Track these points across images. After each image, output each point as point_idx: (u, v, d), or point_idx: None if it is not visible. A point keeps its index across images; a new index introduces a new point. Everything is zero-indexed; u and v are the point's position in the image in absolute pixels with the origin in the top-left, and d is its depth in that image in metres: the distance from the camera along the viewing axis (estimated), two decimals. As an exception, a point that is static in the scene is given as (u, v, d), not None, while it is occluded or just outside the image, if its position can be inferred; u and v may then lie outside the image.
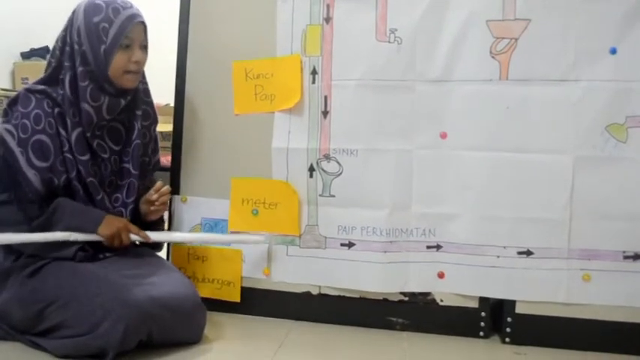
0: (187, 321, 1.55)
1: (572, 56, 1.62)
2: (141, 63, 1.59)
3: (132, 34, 1.55)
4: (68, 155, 1.54)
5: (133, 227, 1.59)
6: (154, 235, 1.65)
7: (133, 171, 1.64)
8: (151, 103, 1.73)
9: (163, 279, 1.54)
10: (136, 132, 1.64)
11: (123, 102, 1.59)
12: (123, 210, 1.62)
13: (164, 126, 1.95)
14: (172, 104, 1.94)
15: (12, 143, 1.50)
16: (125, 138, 1.65)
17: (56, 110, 1.54)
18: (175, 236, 1.84)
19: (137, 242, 1.64)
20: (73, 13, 1.58)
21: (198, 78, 1.87)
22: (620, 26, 1.59)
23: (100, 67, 1.54)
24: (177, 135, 1.90)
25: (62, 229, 1.51)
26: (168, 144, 1.93)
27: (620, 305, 1.61)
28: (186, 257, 1.85)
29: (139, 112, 1.65)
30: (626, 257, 1.61)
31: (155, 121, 1.75)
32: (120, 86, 1.57)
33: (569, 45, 1.62)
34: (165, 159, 1.88)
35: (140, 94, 1.67)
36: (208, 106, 1.87)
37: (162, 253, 1.81)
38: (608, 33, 1.60)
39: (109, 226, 1.54)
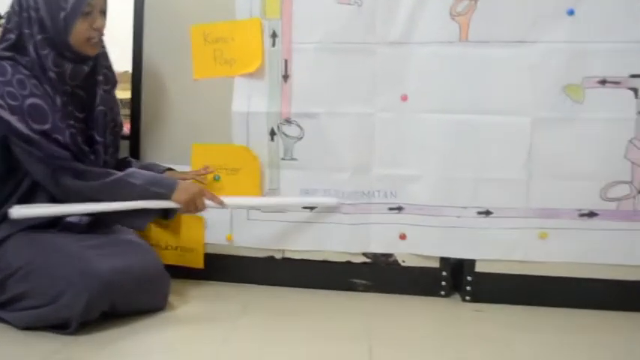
0: (151, 289, 1.54)
1: (530, 17, 1.63)
2: (102, 29, 1.55)
3: (93, 0, 1.50)
4: (60, 113, 1.49)
5: (208, 192, 1.61)
6: (228, 201, 1.65)
7: (98, 138, 1.59)
8: (110, 67, 1.68)
9: (125, 248, 1.53)
10: (98, 98, 1.60)
11: (86, 68, 1.55)
12: None
13: (123, 93, 1.92)
14: (130, 71, 1.89)
15: (5, 114, 1.43)
16: (89, 105, 1.60)
17: (32, 74, 1.49)
18: (252, 201, 1.77)
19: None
20: None
21: (156, 43, 1.83)
22: (578, -14, 1.61)
23: (59, 34, 1.48)
24: (135, 102, 1.87)
25: (132, 198, 1.51)
26: (128, 111, 1.89)
27: (576, 262, 1.66)
28: (149, 225, 1.83)
29: (100, 78, 1.61)
30: (581, 215, 1.65)
31: (115, 84, 1.71)
32: (82, 53, 1.53)
33: (527, 7, 1.63)
34: (125, 127, 1.85)
35: (100, 59, 1.62)
36: (167, 71, 1.84)
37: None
38: (566, -6, 1.61)
39: (185, 192, 1.54)
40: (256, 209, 1.79)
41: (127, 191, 1.51)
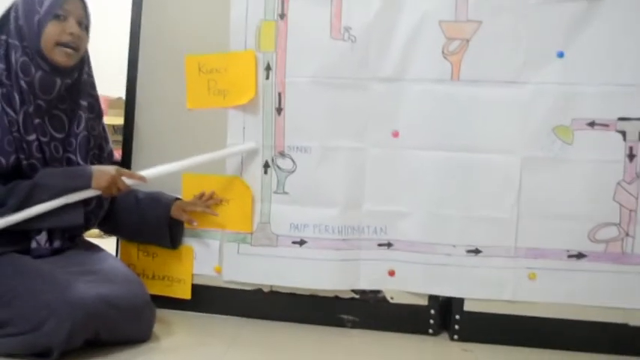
0: (136, 319, 1.52)
1: (521, 58, 1.65)
2: (76, 36, 1.53)
3: (68, 5, 1.52)
4: (16, 134, 1.48)
5: (125, 171, 1.58)
6: (147, 173, 1.61)
7: (77, 160, 1.58)
8: (96, 97, 1.68)
9: (111, 276, 1.51)
10: (83, 123, 1.60)
11: (59, 81, 1.53)
12: None
13: (115, 119, 1.92)
14: (124, 97, 1.90)
15: None
16: (68, 127, 1.60)
17: (2, 90, 1.49)
18: (165, 168, 1.67)
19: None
20: None
21: (151, 70, 1.84)
22: (568, 31, 1.63)
23: (32, 38, 1.50)
24: (128, 129, 1.87)
25: (51, 198, 1.47)
26: (120, 137, 1.89)
27: (565, 303, 1.65)
28: (136, 254, 1.82)
29: (84, 103, 1.61)
30: (570, 256, 1.65)
31: (100, 115, 1.71)
32: (52, 61, 1.52)
33: (518, 47, 1.65)
34: (117, 153, 1.85)
35: (85, 86, 1.63)
36: (161, 99, 1.84)
37: (111, 249, 1.77)
38: (556, 37, 1.64)
39: (102, 176, 1.51)
40: (176, 173, 1.71)
41: (47, 191, 1.48)
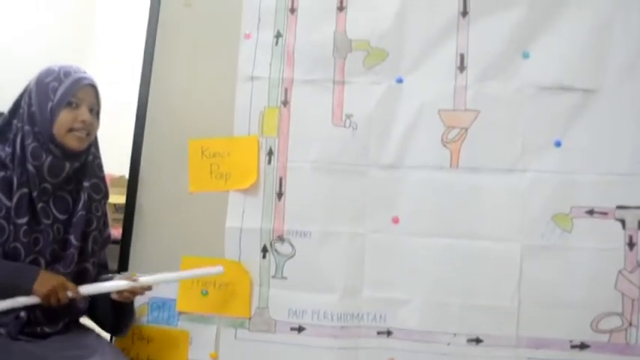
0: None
1: (519, 147, 1.68)
2: (87, 123, 1.56)
3: (81, 94, 1.55)
4: (2, 221, 1.48)
5: (70, 284, 1.49)
6: (84, 289, 1.52)
7: (74, 242, 1.57)
8: (103, 178, 1.69)
9: (102, 361, 1.47)
10: (81, 203, 1.60)
11: (67, 165, 1.55)
12: None
13: (117, 197, 1.93)
14: (127, 176, 1.92)
15: None
16: (72, 209, 1.60)
17: (3, 174, 1.50)
18: (106, 286, 1.57)
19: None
20: (31, 80, 1.58)
21: (155, 152, 1.87)
22: (565, 121, 1.67)
23: (45, 124, 1.52)
24: (129, 208, 1.87)
25: None
26: (120, 216, 1.90)
27: (568, 395, 1.61)
28: (131, 338, 1.78)
29: (87, 184, 1.62)
30: (573, 346, 1.62)
31: (106, 196, 1.72)
32: (64, 146, 1.54)
33: (516, 136, 1.68)
34: (117, 231, 1.85)
35: (93, 167, 1.64)
36: (163, 180, 1.85)
37: (105, 334, 1.73)
38: (554, 126, 1.67)
39: (46, 282, 1.45)
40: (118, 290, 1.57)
41: None
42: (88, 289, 1.54)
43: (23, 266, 1.50)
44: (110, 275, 1.66)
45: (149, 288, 1.62)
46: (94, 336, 1.62)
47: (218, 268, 1.68)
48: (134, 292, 1.59)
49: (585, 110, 1.66)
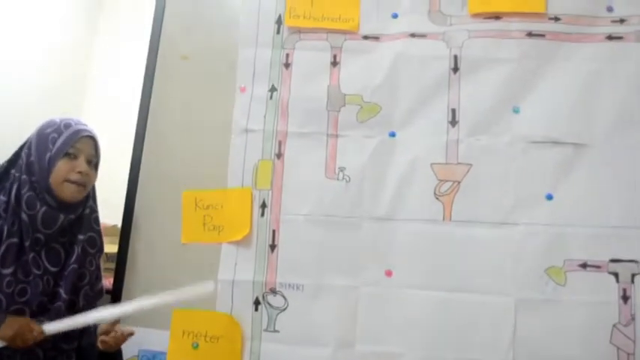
0: None
1: (511, 200, 1.69)
2: (84, 174, 1.57)
3: (80, 145, 1.57)
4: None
5: (36, 326, 1.48)
6: (49, 327, 1.49)
7: (63, 295, 1.56)
8: (99, 232, 1.69)
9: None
10: (75, 256, 1.59)
11: (62, 217, 1.55)
12: None
13: (109, 247, 1.92)
14: (119, 225, 1.91)
15: None
16: (64, 261, 1.60)
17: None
18: (71, 322, 1.53)
19: None
20: (32, 132, 1.60)
21: (148, 202, 1.88)
22: (556, 174, 1.68)
23: (42, 173, 1.53)
24: (121, 257, 1.87)
25: None
26: (112, 265, 1.89)
27: None
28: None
29: (82, 237, 1.62)
30: (570, 404, 1.60)
31: (101, 250, 1.71)
32: (60, 197, 1.54)
33: (508, 189, 1.69)
34: (108, 281, 1.83)
35: (89, 220, 1.64)
36: (156, 231, 1.86)
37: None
38: (545, 180, 1.68)
39: (11, 326, 1.45)
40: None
41: None
42: (53, 326, 1.52)
43: None
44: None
45: (131, 334, 1.59)
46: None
47: (207, 286, 1.61)
48: (117, 340, 1.57)
49: (576, 164, 1.68)
